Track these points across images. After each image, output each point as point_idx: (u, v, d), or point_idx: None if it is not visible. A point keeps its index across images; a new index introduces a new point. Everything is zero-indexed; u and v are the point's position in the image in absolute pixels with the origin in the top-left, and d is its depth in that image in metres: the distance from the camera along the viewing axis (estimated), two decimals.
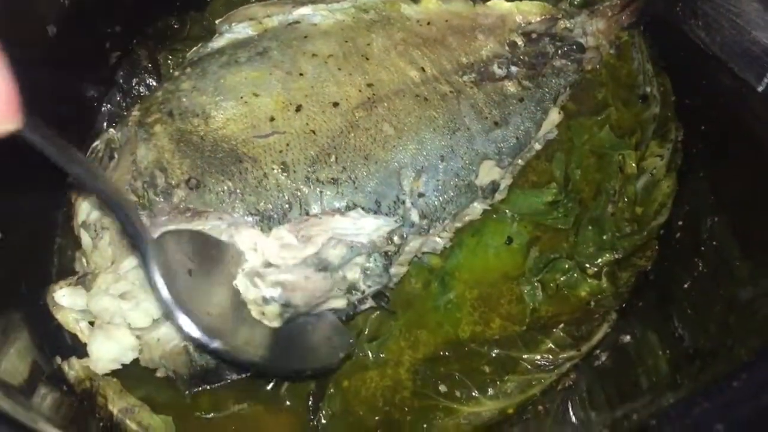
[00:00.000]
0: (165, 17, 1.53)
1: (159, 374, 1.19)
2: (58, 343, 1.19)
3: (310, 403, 1.29)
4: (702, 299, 1.21)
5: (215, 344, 1.01)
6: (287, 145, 1.20)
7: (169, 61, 1.49)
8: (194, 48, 1.41)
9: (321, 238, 1.14)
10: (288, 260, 1.12)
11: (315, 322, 1.21)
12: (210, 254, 1.11)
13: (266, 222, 1.16)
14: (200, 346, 1.10)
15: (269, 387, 1.29)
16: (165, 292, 0.98)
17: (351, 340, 1.25)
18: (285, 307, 1.14)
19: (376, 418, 1.29)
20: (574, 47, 1.51)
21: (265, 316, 1.14)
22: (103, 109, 1.44)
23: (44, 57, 1.26)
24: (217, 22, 1.44)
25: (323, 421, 1.27)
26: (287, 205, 1.17)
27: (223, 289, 1.11)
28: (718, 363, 0.98)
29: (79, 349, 1.17)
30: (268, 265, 1.13)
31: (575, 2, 1.64)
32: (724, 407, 0.79)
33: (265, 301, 1.12)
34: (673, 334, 1.19)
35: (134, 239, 0.99)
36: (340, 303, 1.22)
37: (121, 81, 1.45)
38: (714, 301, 1.16)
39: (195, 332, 0.99)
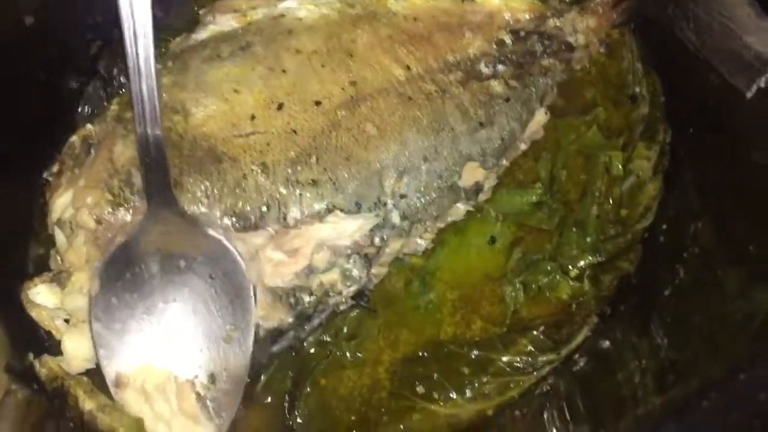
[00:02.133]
0: None
1: None
2: (33, 340, 1.18)
3: (286, 401, 1.29)
4: (682, 309, 1.20)
5: None
6: (268, 144, 1.19)
7: None
8: (177, 39, 1.39)
9: (308, 249, 1.14)
10: (285, 277, 1.13)
11: None
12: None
13: (242, 223, 1.14)
14: None
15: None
16: None
17: None
18: None
19: (353, 418, 1.29)
20: (563, 46, 1.49)
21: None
22: (83, 99, 1.41)
23: (22, 47, 1.24)
24: (200, 12, 1.41)
25: (299, 420, 1.28)
26: (265, 208, 1.16)
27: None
28: (694, 376, 0.98)
29: (55, 347, 1.16)
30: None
31: None
32: (693, 428, 0.79)
33: None
34: (652, 343, 1.18)
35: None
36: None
37: (102, 71, 1.42)
38: (693, 312, 1.16)
39: None
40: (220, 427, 1.16)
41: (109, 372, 1.14)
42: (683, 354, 1.09)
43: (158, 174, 1.10)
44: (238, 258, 1.16)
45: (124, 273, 1.14)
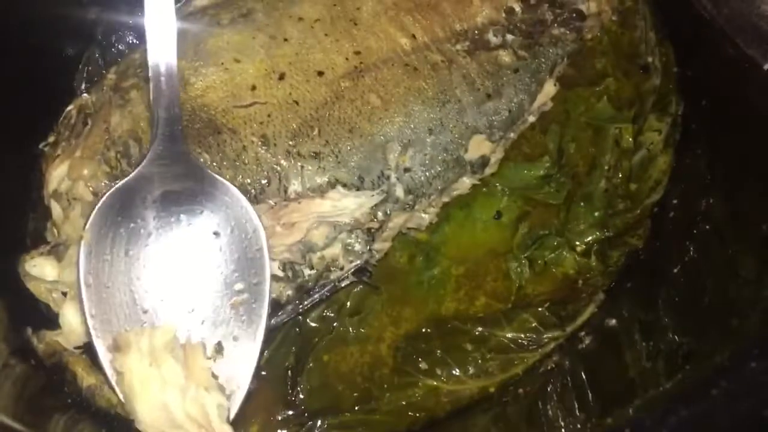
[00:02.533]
0: None
1: None
2: (32, 315, 1.17)
3: (289, 376, 1.27)
4: (691, 288, 1.18)
5: None
6: (268, 116, 1.16)
7: None
8: (177, 4, 1.34)
9: (305, 224, 1.11)
10: (275, 248, 1.10)
11: None
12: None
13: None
14: None
15: None
16: None
17: None
18: None
19: (355, 394, 1.28)
20: (574, 15, 1.44)
21: None
22: (81, 67, 1.38)
23: (17, 14, 1.20)
24: None
25: (301, 396, 1.26)
26: (266, 181, 1.13)
27: None
28: (701, 360, 0.96)
29: (54, 321, 1.15)
30: None
31: None
32: (702, 416, 0.77)
33: None
34: (660, 321, 1.16)
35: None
36: None
37: (100, 38, 1.39)
38: (703, 292, 1.13)
39: None
40: (232, 403, 1.08)
41: (105, 339, 1.05)
42: (692, 336, 1.06)
43: (167, 108, 1.05)
44: (251, 210, 1.09)
45: (117, 227, 1.07)
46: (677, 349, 1.07)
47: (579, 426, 1.03)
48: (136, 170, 1.06)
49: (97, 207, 1.05)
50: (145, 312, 1.08)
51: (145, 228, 1.09)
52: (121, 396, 1.05)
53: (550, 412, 1.17)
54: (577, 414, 1.07)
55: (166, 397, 1.02)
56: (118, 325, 1.06)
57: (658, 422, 0.77)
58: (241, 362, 1.10)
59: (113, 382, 1.05)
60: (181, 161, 1.07)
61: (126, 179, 1.06)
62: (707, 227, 1.24)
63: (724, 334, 1.00)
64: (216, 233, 1.11)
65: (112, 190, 1.06)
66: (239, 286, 1.11)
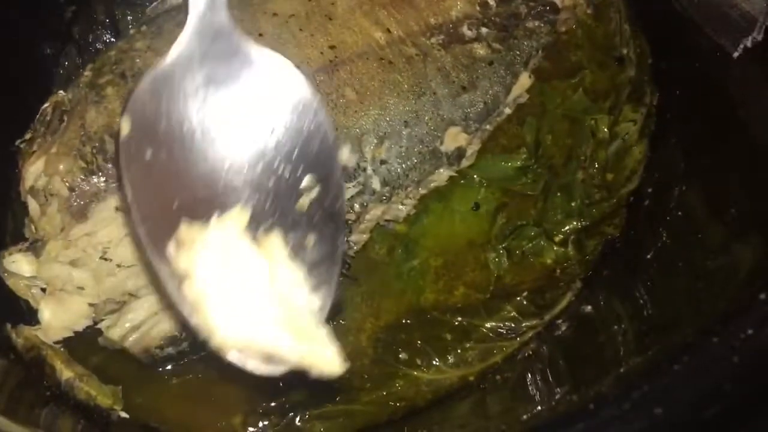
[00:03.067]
0: None
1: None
2: (13, 309, 1.17)
3: None
4: (664, 270, 1.20)
5: None
6: None
7: (128, 17, 1.44)
8: (153, 3, 1.36)
9: None
10: None
11: None
12: None
13: None
14: None
15: None
16: None
17: None
18: None
19: (336, 385, 1.28)
20: (548, 8, 1.46)
21: None
22: (59, 66, 1.38)
23: None
24: None
25: (281, 386, 1.27)
26: None
27: None
28: (674, 336, 0.97)
29: (34, 317, 1.15)
30: None
31: None
32: (664, 391, 0.78)
33: None
34: (634, 305, 1.18)
35: None
36: None
37: (77, 37, 1.40)
38: (675, 272, 1.15)
39: None
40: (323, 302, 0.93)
41: (159, 246, 0.88)
42: (664, 314, 1.08)
43: None
44: (312, 92, 0.95)
45: (158, 119, 0.92)
46: (650, 328, 1.08)
47: (553, 403, 1.04)
48: (173, 50, 0.92)
49: (133, 95, 0.91)
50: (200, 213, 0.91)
51: (189, 119, 0.93)
52: (187, 314, 0.87)
53: (528, 396, 1.18)
54: (556, 397, 1.08)
55: (247, 300, 0.86)
56: (172, 228, 0.89)
57: (621, 396, 0.78)
58: (322, 265, 0.94)
59: (176, 299, 0.88)
60: (224, 36, 0.93)
61: (162, 64, 0.92)
62: (679, 214, 1.26)
63: (691, 313, 1.02)
64: (272, 122, 0.95)
65: (148, 75, 0.92)
66: (307, 181, 0.95)
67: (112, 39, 1.40)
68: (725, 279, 1.02)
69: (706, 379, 0.78)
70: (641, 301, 1.16)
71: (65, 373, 1.09)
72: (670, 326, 1.02)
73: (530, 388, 1.23)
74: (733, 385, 0.78)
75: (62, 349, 1.13)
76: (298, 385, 1.27)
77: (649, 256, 1.25)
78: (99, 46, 1.40)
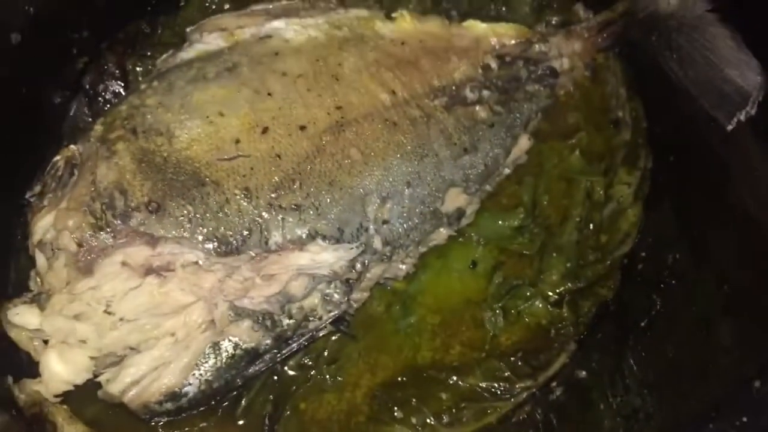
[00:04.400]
0: (135, 21, 1.49)
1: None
2: (12, 361, 1.18)
3: (266, 424, 1.29)
4: (655, 342, 1.22)
5: None
6: (251, 169, 1.19)
7: (138, 68, 1.46)
8: (163, 56, 1.38)
9: (285, 276, 1.14)
10: (254, 299, 1.13)
11: None
12: None
13: (224, 248, 1.14)
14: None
15: (224, 405, 1.29)
16: None
17: None
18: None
19: None
20: (548, 72, 1.50)
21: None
22: (68, 115, 1.41)
23: (7, 64, 1.23)
24: (188, 30, 1.41)
25: None
26: (247, 232, 1.16)
27: None
28: (662, 419, 0.99)
29: (34, 368, 1.16)
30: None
31: (552, 23, 1.63)
32: None
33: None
34: (626, 376, 1.20)
35: None
36: None
37: (87, 87, 1.42)
38: (665, 348, 1.18)
39: None
40: None
41: None
42: (655, 393, 1.10)
43: None
44: None
45: None
46: (642, 406, 1.10)
47: None
48: None
49: None
50: None
51: None
52: None
53: None
54: None
55: None
56: None
57: None
58: None
59: None
60: None
61: None
62: (673, 282, 1.29)
63: (685, 393, 1.04)
64: None
65: None
66: None
67: (122, 91, 1.42)
68: (717, 360, 1.05)
69: None
70: (633, 370, 1.18)
71: (67, 429, 1.09)
72: (660, 405, 1.04)
73: None
74: None
75: (65, 407, 1.13)
76: None
77: (642, 324, 1.27)
78: (108, 96, 1.42)
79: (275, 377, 1.31)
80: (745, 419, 0.80)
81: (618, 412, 1.14)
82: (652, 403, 1.09)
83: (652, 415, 1.06)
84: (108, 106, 1.40)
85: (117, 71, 1.43)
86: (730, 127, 1.31)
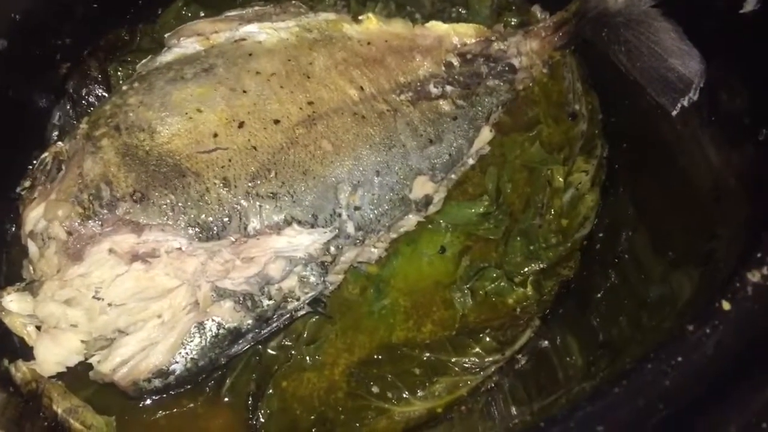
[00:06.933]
0: (116, 30, 1.57)
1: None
2: (7, 346, 1.24)
3: (249, 402, 1.36)
4: (611, 308, 1.31)
5: None
6: (229, 160, 1.27)
7: (119, 73, 1.54)
8: (143, 60, 1.46)
9: (263, 258, 1.22)
10: (235, 280, 1.20)
11: None
12: None
13: (205, 234, 1.22)
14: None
15: (210, 384, 1.36)
16: None
17: None
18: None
19: (312, 417, 1.36)
20: (507, 68, 1.59)
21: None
22: (53, 118, 1.48)
23: None
24: (166, 36, 1.49)
25: (261, 420, 1.35)
26: (227, 219, 1.23)
27: None
28: (611, 367, 1.08)
29: (27, 353, 1.22)
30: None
31: (512, 23, 1.73)
32: (605, 410, 0.89)
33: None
34: (586, 339, 1.29)
35: None
36: None
37: (71, 91, 1.49)
38: (620, 311, 1.27)
39: None
40: None
41: None
42: (610, 346, 1.20)
43: None
44: None
45: None
46: (594, 361, 1.19)
47: (510, 425, 1.14)
48: None
49: None
50: None
51: None
52: None
53: (490, 423, 1.27)
54: (514, 421, 1.18)
55: None
56: None
57: (567, 416, 0.89)
58: None
59: None
60: None
61: None
62: (627, 256, 1.39)
63: (632, 343, 1.14)
64: None
65: None
66: None
67: (104, 93, 1.49)
68: (663, 312, 1.14)
69: (642, 399, 0.89)
70: (591, 336, 1.27)
71: (61, 404, 1.15)
72: (614, 356, 1.13)
73: (492, 416, 1.32)
74: (665, 404, 0.89)
75: (59, 383, 1.19)
76: (276, 417, 1.35)
77: (599, 295, 1.37)
78: (91, 99, 1.49)
79: (257, 358, 1.38)
80: (680, 359, 0.90)
81: (575, 369, 1.22)
82: (604, 358, 1.18)
83: (603, 367, 1.15)
84: (91, 109, 1.47)
85: (99, 76, 1.51)
86: (674, 112, 1.41)
